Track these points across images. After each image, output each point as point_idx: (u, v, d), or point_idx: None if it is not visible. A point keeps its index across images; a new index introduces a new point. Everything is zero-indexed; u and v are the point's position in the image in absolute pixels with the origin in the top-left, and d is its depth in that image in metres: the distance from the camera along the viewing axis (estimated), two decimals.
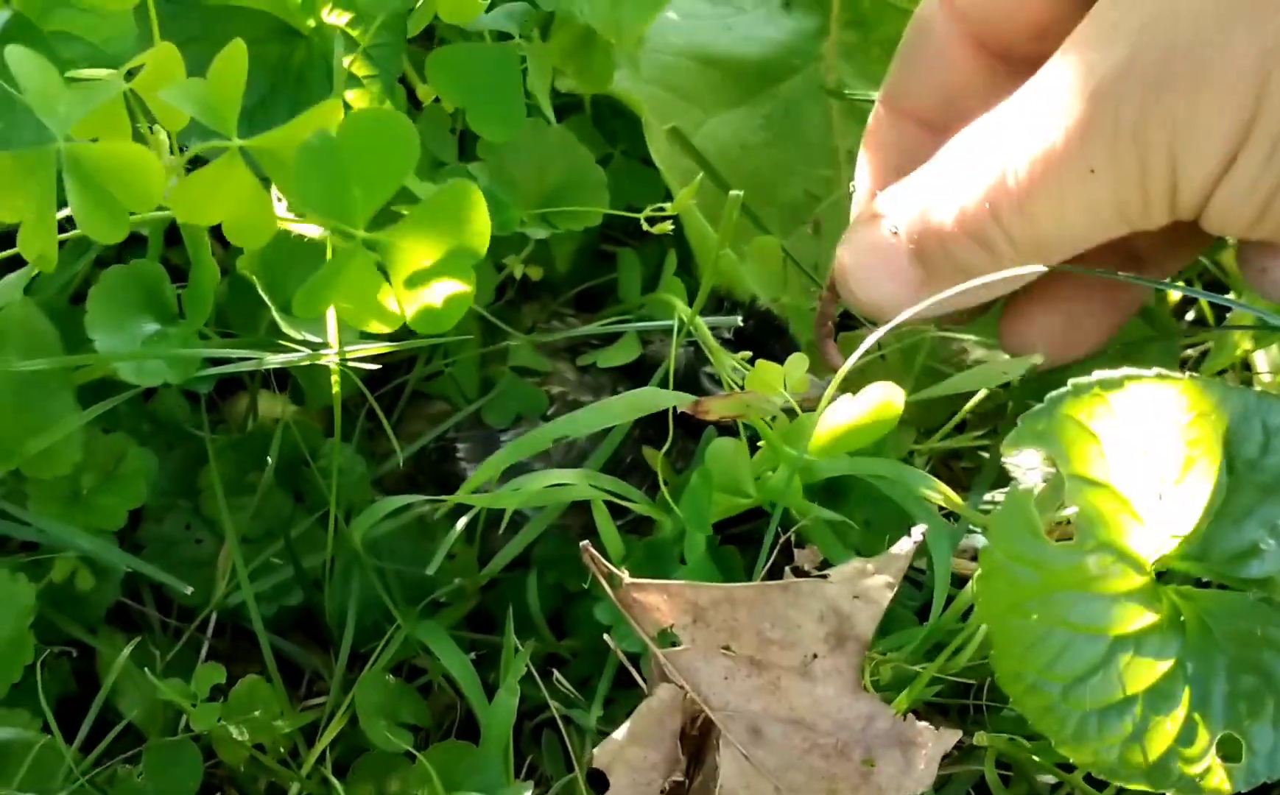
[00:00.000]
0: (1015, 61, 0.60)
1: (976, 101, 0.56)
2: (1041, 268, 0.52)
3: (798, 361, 0.59)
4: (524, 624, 0.65)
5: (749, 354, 0.61)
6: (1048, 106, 0.50)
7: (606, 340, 0.69)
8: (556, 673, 0.62)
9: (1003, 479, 0.69)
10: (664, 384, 0.63)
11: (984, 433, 0.68)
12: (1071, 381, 0.48)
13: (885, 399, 0.55)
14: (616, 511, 0.62)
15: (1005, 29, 0.60)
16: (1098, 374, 0.48)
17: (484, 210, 0.51)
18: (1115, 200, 0.49)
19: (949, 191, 0.54)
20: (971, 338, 0.71)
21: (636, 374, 0.68)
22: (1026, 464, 0.66)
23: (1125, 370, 0.48)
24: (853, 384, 0.56)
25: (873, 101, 0.77)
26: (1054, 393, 0.48)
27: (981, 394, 0.67)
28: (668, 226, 0.61)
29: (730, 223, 0.57)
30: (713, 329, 0.63)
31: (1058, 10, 0.58)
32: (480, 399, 0.69)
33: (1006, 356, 0.60)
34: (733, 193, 0.57)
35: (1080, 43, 0.50)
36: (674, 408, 0.60)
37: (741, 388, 0.60)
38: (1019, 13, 0.59)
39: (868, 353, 0.56)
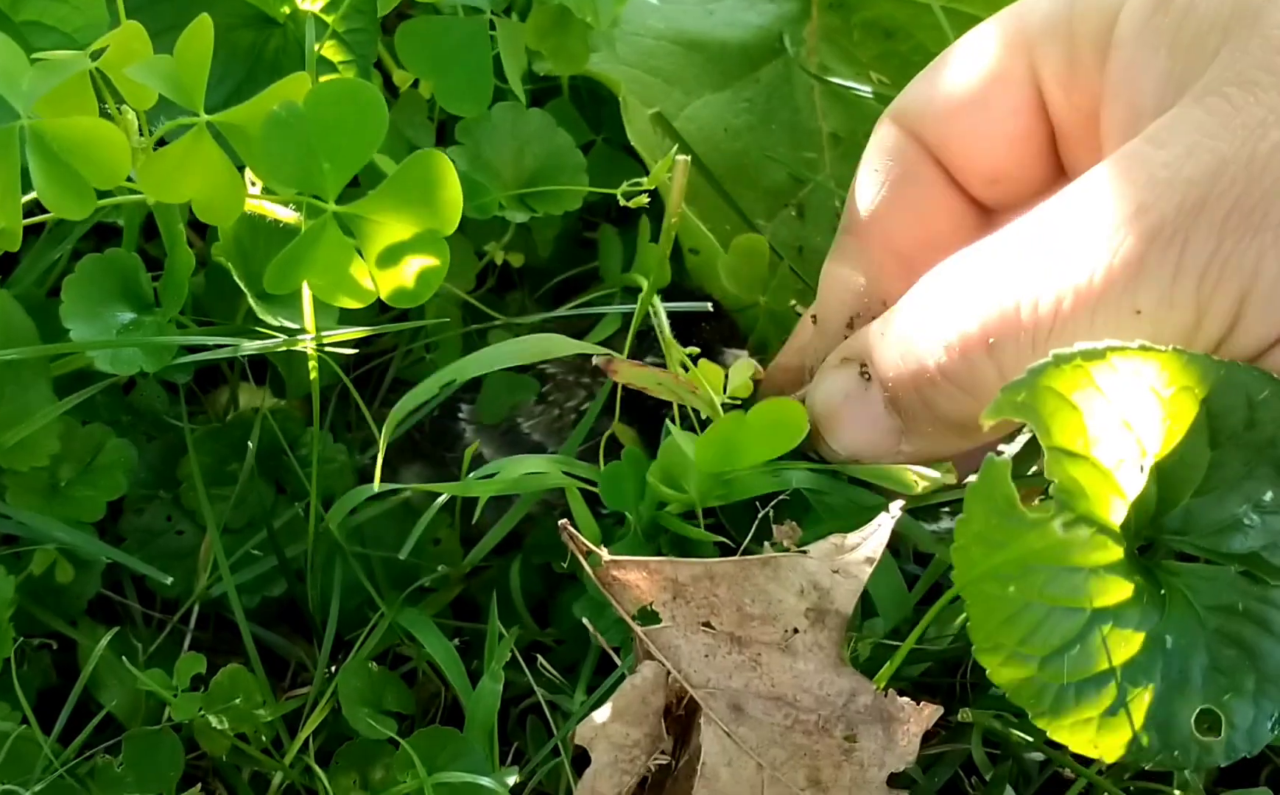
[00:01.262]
0: (974, 201, 0.60)
1: (949, 235, 0.55)
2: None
3: (743, 368, 0.59)
4: (511, 610, 0.65)
5: (696, 350, 0.60)
6: (1082, 241, 0.46)
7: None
8: (541, 658, 0.62)
9: None
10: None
11: None
12: (1053, 352, 0.47)
13: (784, 415, 0.55)
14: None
15: (962, 165, 0.59)
16: (1080, 345, 0.47)
17: (454, 179, 0.50)
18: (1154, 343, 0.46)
19: (929, 330, 0.50)
20: None
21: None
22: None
23: (1108, 342, 0.47)
24: None
25: (853, 87, 0.78)
26: (1034, 364, 0.47)
27: None
28: (644, 201, 0.61)
29: (681, 186, 0.56)
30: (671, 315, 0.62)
31: (1013, 159, 0.58)
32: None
33: None
34: (680, 156, 0.56)
35: (1118, 180, 0.47)
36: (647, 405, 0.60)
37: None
38: (977, 148, 0.58)
39: None
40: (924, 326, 0.51)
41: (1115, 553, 0.47)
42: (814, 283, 0.73)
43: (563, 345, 0.58)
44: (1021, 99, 0.57)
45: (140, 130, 0.53)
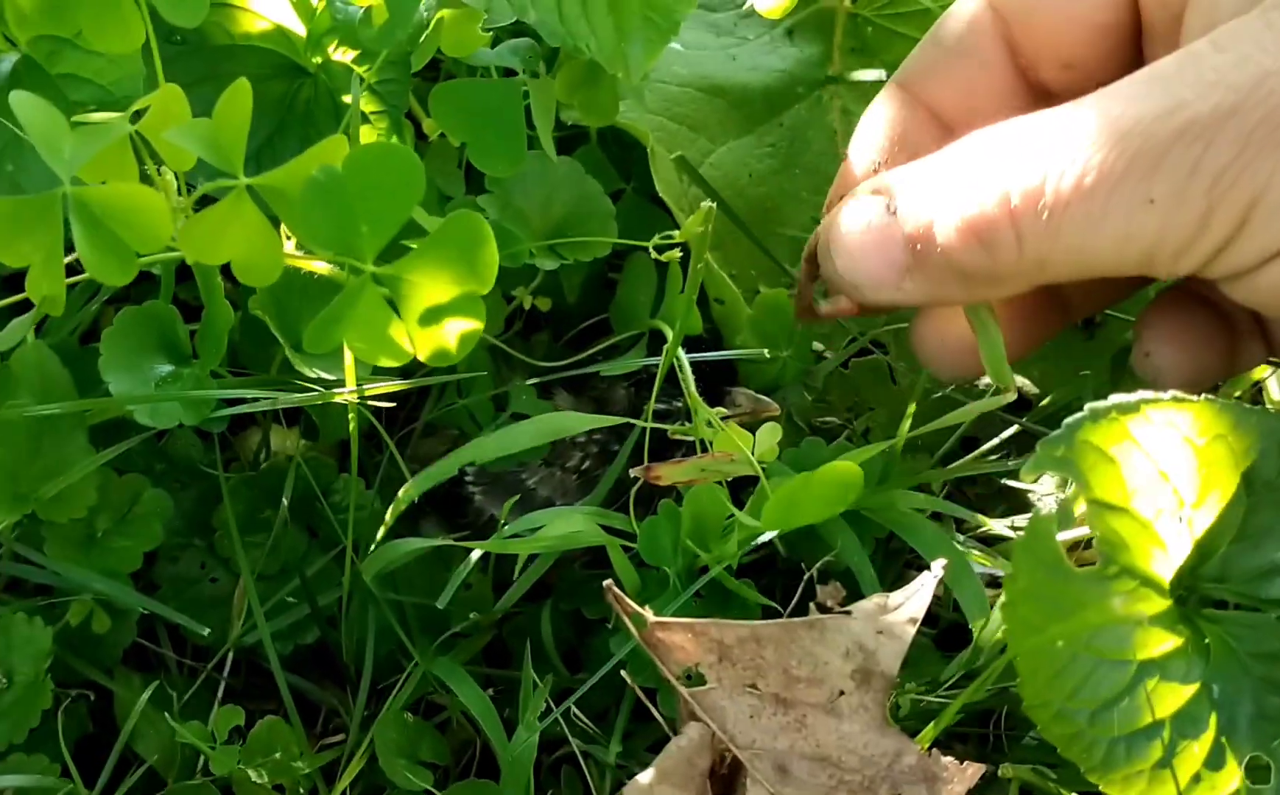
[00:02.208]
0: (1035, 85, 0.59)
1: (996, 110, 0.54)
2: None
3: (770, 431, 0.59)
4: (539, 654, 0.65)
5: (724, 410, 0.61)
6: (1115, 125, 0.47)
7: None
8: (574, 707, 0.62)
9: (1017, 503, 0.69)
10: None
11: (998, 457, 0.68)
12: (1089, 407, 0.47)
13: (842, 470, 0.55)
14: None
15: (1040, 45, 0.59)
16: (1114, 398, 0.47)
17: (491, 240, 0.50)
18: (1157, 238, 0.47)
19: (966, 185, 0.51)
20: None
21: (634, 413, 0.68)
22: (1043, 490, 0.67)
23: (1141, 394, 0.47)
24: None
25: None
26: (1071, 418, 0.47)
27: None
28: (676, 254, 0.61)
29: (705, 235, 0.56)
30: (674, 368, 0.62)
31: (1093, 48, 0.57)
32: (490, 426, 0.69)
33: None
34: (705, 203, 0.56)
35: (1165, 76, 0.48)
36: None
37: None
38: (1060, 31, 0.58)
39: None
40: (961, 177, 0.52)
41: (1159, 604, 0.47)
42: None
43: (580, 422, 0.59)
44: None
45: (179, 190, 0.54)
